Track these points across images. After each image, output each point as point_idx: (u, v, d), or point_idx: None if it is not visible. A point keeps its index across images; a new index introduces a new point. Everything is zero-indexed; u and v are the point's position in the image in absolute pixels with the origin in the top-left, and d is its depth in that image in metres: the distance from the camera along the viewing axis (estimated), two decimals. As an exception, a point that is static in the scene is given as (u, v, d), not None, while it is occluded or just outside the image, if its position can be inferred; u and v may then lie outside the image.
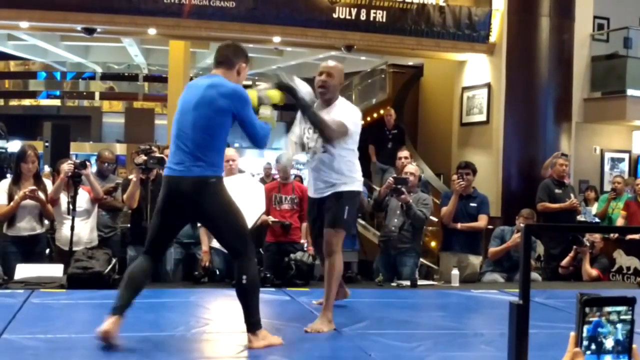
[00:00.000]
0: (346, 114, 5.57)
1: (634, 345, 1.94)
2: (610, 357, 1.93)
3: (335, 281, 5.58)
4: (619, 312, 1.92)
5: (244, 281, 4.77)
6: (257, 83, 5.42)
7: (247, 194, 7.26)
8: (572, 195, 9.97)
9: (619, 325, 1.92)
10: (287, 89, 5.36)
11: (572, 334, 1.93)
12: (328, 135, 5.47)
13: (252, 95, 5.08)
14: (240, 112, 4.81)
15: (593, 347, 1.92)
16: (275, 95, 5.24)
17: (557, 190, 9.92)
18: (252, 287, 4.84)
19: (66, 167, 7.56)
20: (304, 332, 5.30)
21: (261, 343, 4.77)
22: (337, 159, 5.59)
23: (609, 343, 1.92)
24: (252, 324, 4.81)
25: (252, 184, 7.57)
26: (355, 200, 5.71)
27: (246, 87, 5.10)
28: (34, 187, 7.47)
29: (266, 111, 5.09)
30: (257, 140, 4.98)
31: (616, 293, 2.03)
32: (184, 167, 4.79)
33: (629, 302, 1.93)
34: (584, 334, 1.91)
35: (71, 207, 7.51)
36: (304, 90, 5.55)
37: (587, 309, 1.90)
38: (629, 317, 1.93)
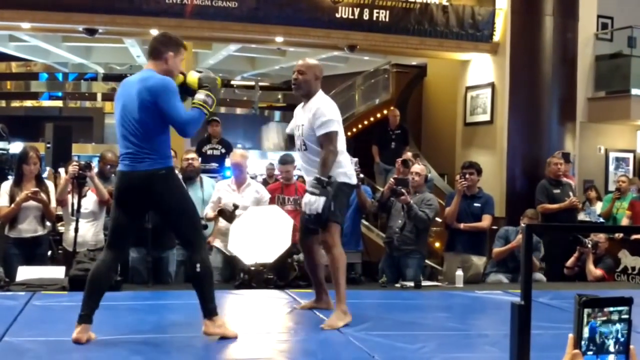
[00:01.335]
0: (322, 119, 5.66)
1: (631, 346, 1.94)
2: (609, 358, 1.94)
3: (340, 273, 5.70)
4: (618, 312, 1.94)
5: (198, 269, 4.92)
6: (199, 70, 5.37)
7: (273, 227, 7.33)
8: (570, 193, 9.91)
9: (617, 326, 1.93)
10: None
11: (571, 335, 1.94)
12: (331, 164, 5.65)
13: (192, 78, 5.11)
14: (160, 103, 4.80)
15: (592, 347, 1.94)
16: (217, 80, 5.21)
17: (555, 190, 9.88)
18: (207, 275, 4.97)
19: (71, 168, 7.54)
20: (306, 334, 5.27)
21: (216, 330, 4.95)
22: (317, 155, 5.72)
23: (608, 343, 1.93)
24: (209, 309, 4.96)
25: (280, 217, 7.54)
26: (341, 191, 5.75)
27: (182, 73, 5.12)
28: (36, 189, 7.45)
29: (200, 95, 5.01)
30: (179, 128, 4.92)
31: (617, 294, 2.01)
32: (133, 161, 4.88)
33: (626, 302, 1.93)
34: (584, 335, 1.92)
35: (75, 208, 7.48)
36: None
37: (585, 310, 1.91)
38: (626, 317, 1.95)
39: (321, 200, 5.51)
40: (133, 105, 4.84)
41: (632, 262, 10.11)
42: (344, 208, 5.99)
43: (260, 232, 7.40)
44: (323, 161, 5.60)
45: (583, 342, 1.91)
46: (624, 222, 10.49)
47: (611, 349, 1.94)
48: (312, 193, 5.55)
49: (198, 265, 4.91)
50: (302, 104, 5.96)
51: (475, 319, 6.47)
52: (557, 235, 9.18)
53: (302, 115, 5.87)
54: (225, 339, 4.96)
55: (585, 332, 1.91)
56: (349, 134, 15.98)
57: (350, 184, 5.91)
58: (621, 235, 10.20)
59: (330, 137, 5.63)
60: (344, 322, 5.51)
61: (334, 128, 5.67)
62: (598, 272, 8.91)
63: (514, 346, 2.18)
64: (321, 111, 5.69)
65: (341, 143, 5.78)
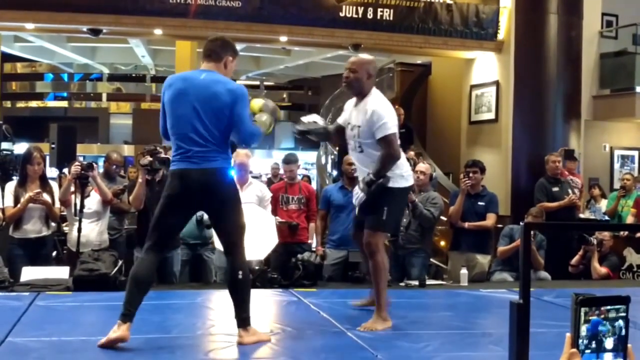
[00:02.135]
0: (379, 121, 5.55)
1: (629, 345, 1.94)
2: (607, 356, 1.95)
3: (381, 279, 5.63)
4: (615, 311, 1.94)
5: (240, 276, 4.87)
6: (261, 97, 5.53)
7: (257, 226, 7.25)
8: (569, 191, 9.88)
9: (615, 324, 1.94)
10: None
11: (568, 334, 1.94)
12: (389, 167, 5.59)
13: (256, 103, 5.23)
14: (237, 107, 4.86)
15: (590, 346, 1.94)
16: (277, 111, 5.41)
17: (554, 189, 9.85)
18: (246, 283, 4.95)
19: (73, 169, 7.55)
20: (310, 333, 5.27)
21: (252, 338, 4.88)
22: (374, 157, 5.61)
23: (605, 342, 1.94)
24: (244, 319, 4.89)
25: (262, 215, 7.50)
26: (397, 198, 5.71)
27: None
28: (38, 190, 7.46)
29: (262, 117, 5.16)
30: (244, 137, 5.02)
31: (622, 292, 2.02)
32: (191, 160, 4.85)
33: (624, 301, 1.93)
34: (582, 334, 1.93)
35: (78, 208, 7.49)
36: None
37: (582, 309, 1.92)
38: (624, 315, 1.95)
39: (362, 198, 5.55)
40: (209, 105, 4.84)
41: (638, 260, 10.07)
42: (399, 214, 5.96)
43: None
44: (381, 163, 5.52)
45: (580, 341, 1.91)
46: (629, 219, 10.47)
47: (609, 347, 1.94)
48: (360, 187, 5.59)
49: (240, 272, 4.87)
50: (355, 101, 5.83)
51: (479, 317, 6.46)
52: (556, 233, 9.15)
53: (356, 115, 5.74)
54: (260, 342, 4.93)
55: (583, 331, 1.91)
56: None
57: (406, 187, 5.82)
58: (626, 233, 10.18)
59: (388, 140, 5.53)
60: (383, 327, 5.45)
61: (392, 130, 5.55)
62: (603, 270, 8.89)
63: (513, 345, 2.17)
64: (378, 114, 5.56)
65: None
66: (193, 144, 4.87)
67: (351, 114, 5.81)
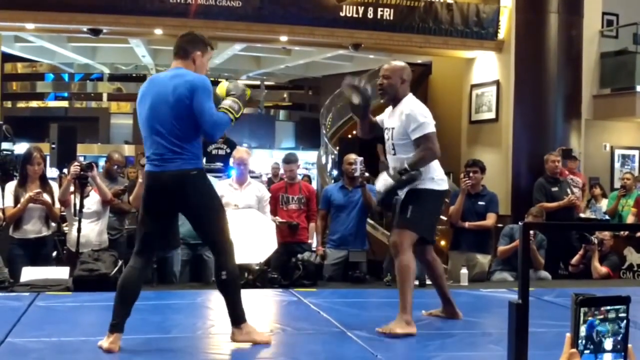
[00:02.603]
0: (416, 120, 5.53)
1: (629, 345, 1.93)
2: (607, 357, 1.94)
3: (405, 282, 5.42)
4: (615, 311, 1.93)
5: (224, 277, 4.80)
6: (229, 80, 5.34)
7: (257, 230, 7.25)
8: (569, 191, 9.87)
9: (615, 324, 1.94)
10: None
11: (568, 334, 1.94)
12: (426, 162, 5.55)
13: (222, 87, 5.03)
14: (196, 99, 4.68)
15: (590, 346, 1.93)
16: (247, 91, 5.11)
17: (553, 188, 9.82)
18: (233, 282, 4.86)
19: (72, 169, 7.54)
20: (309, 333, 5.27)
21: (244, 337, 4.83)
22: (407, 159, 5.56)
23: (606, 342, 1.94)
24: (235, 318, 4.85)
25: (262, 220, 7.49)
26: (426, 199, 5.59)
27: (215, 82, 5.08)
28: (38, 190, 7.45)
29: (227, 101, 4.90)
30: (207, 128, 4.77)
31: (622, 291, 2.01)
32: (162, 161, 4.75)
33: (624, 301, 1.93)
34: (582, 334, 1.92)
35: (78, 208, 7.48)
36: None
37: (582, 309, 1.91)
38: (624, 315, 1.95)
39: (388, 182, 5.47)
40: (166, 102, 4.71)
41: (638, 259, 10.06)
42: (429, 217, 5.76)
43: (242, 234, 7.36)
44: (419, 156, 5.47)
45: (580, 341, 1.91)
46: (630, 219, 10.46)
47: (609, 347, 1.93)
48: (390, 174, 5.51)
49: (224, 272, 4.79)
50: (390, 108, 5.79)
51: (479, 317, 6.44)
52: (555, 233, 9.14)
53: (391, 119, 5.72)
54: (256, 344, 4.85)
55: (582, 331, 1.91)
56: (354, 132, 15.93)
57: (437, 190, 5.67)
58: (626, 232, 10.17)
59: (429, 137, 5.52)
60: (404, 331, 5.24)
61: (431, 129, 5.54)
62: (603, 269, 8.88)
63: (512, 346, 2.17)
64: (414, 115, 5.52)
65: None
66: (152, 146, 4.79)
67: (388, 117, 5.79)
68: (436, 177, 5.63)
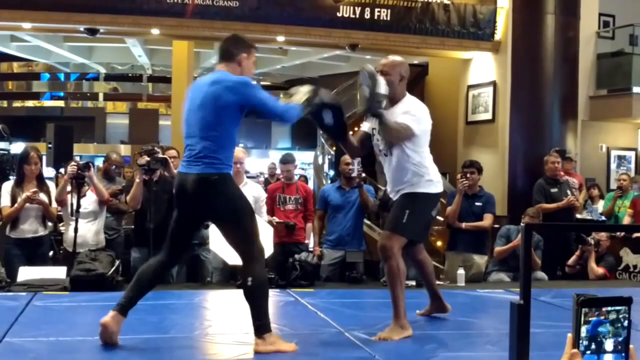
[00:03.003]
0: (411, 113, 5.34)
1: (631, 346, 1.94)
2: (608, 357, 1.95)
3: (396, 286, 5.27)
4: (616, 312, 1.94)
5: (250, 283, 4.68)
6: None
7: None
8: (568, 192, 9.87)
9: (616, 325, 1.93)
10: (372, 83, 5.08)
11: (570, 335, 1.94)
12: (391, 138, 5.30)
13: (299, 92, 4.98)
14: (249, 97, 4.70)
15: (592, 347, 1.94)
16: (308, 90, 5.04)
17: (552, 190, 9.81)
18: (259, 290, 4.73)
19: (69, 168, 7.53)
20: (307, 334, 5.26)
21: (268, 347, 4.63)
22: (402, 161, 5.37)
23: (607, 343, 1.94)
24: (259, 327, 4.69)
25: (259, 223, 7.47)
26: (422, 203, 5.42)
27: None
28: (35, 190, 7.44)
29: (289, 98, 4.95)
30: (279, 115, 4.85)
31: (618, 292, 2.02)
32: (189, 164, 4.76)
33: (625, 302, 1.93)
34: (583, 335, 1.92)
35: (74, 208, 7.48)
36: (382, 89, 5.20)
37: (583, 310, 1.91)
38: (625, 316, 1.95)
39: (365, 90, 5.11)
40: (200, 107, 4.71)
41: (634, 260, 10.09)
42: (422, 220, 5.56)
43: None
44: (397, 126, 5.19)
45: (581, 342, 1.91)
46: (626, 220, 10.48)
47: (610, 348, 1.93)
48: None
49: (250, 279, 4.67)
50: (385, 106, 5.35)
51: (476, 317, 6.45)
52: (554, 234, 9.14)
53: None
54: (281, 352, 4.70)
55: (584, 331, 1.91)
56: (351, 133, 15.95)
57: (433, 193, 5.46)
58: (623, 233, 10.18)
59: (411, 129, 5.27)
60: (401, 335, 5.14)
61: (418, 131, 5.32)
62: (600, 270, 8.89)
63: (514, 346, 2.17)
64: (412, 113, 5.34)
65: (427, 149, 5.48)
66: (187, 148, 4.82)
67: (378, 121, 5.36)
68: (433, 178, 5.47)
